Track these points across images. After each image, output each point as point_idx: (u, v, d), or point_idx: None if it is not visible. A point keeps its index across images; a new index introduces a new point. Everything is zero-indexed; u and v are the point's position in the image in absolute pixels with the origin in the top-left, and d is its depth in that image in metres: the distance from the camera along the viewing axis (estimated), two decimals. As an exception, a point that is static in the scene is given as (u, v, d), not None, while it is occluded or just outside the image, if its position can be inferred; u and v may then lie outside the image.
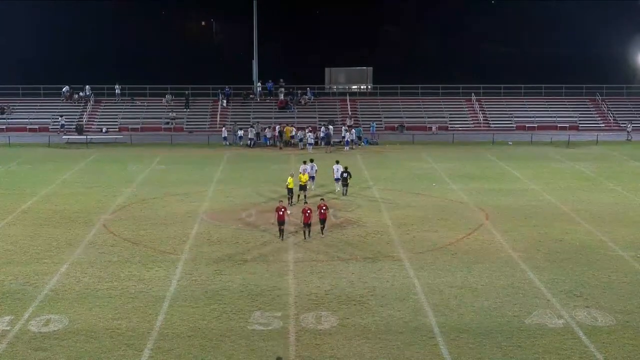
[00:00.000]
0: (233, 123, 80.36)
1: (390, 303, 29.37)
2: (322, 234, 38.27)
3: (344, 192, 50.21)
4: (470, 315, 28.13)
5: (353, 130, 74.41)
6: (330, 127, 75.21)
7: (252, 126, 76.07)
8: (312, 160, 52.03)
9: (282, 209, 37.24)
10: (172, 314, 28.26)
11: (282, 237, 37.78)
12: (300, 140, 71.76)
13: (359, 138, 74.19)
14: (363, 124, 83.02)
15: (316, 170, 51.81)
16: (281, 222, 37.35)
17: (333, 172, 50.76)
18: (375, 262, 34.60)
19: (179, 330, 26.69)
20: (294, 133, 74.23)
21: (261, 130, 75.82)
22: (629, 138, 77.73)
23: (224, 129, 76.32)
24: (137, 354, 24.80)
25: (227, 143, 74.26)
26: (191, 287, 31.29)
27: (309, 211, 37.38)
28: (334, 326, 27.10)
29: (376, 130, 78.93)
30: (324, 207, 38.52)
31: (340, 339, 26.01)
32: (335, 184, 50.83)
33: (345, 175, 50.26)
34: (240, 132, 75.34)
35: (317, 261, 34.69)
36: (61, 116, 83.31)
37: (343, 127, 75.76)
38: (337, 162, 51.18)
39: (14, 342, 25.65)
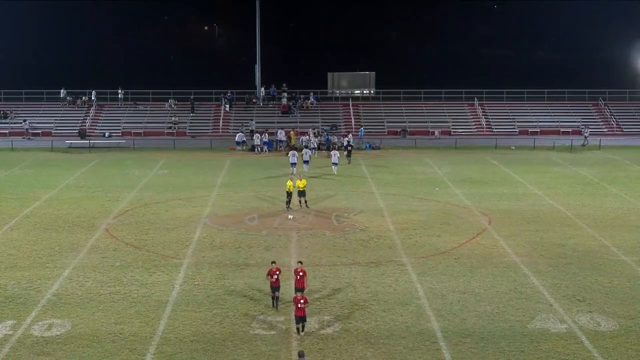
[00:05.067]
0: (242, 125, 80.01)
1: (392, 308, 29.36)
2: (299, 334, 26.94)
3: (348, 161, 63.49)
4: (473, 320, 28.11)
5: (350, 135, 74.13)
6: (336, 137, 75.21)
7: (265, 131, 75.33)
8: (306, 147, 63.22)
9: (277, 272, 29.54)
10: (175, 318, 28.26)
11: (276, 305, 29.38)
12: (306, 146, 71.15)
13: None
14: (365, 128, 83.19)
15: (310, 155, 62.01)
16: (275, 287, 29.44)
17: (331, 157, 60.18)
18: (378, 267, 34.58)
19: (182, 335, 26.69)
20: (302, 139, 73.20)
21: (260, 134, 74.98)
22: (585, 143, 76.96)
23: (241, 134, 75.47)
24: (139, 359, 24.81)
25: (242, 148, 73.80)
26: (194, 291, 31.29)
27: (301, 273, 29.32)
28: (337, 331, 27.10)
29: (364, 134, 78.81)
30: (301, 273, 29.36)
31: (343, 343, 26.00)
32: (332, 167, 59.46)
33: (349, 148, 64.44)
34: (242, 137, 75.18)
35: (319, 266, 34.67)
36: (25, 120, 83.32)
37: (311, 132, 75.02)
38: (334, 148, 62.62)
39: (17, 347, 25.67)
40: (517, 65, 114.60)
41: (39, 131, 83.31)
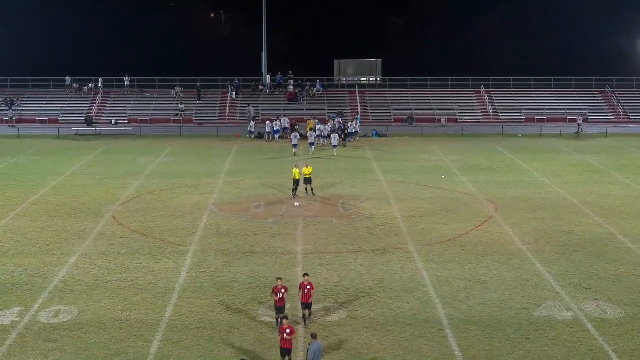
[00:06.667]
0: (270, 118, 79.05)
1: (399, 295, 29.37)
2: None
3: (344, 144, 67.11)
4: (479, 308, 28.12)
5: (353, 122, 73.36)
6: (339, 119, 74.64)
7: (277, 119, 74.86)
8: (311, 129, 66.89)
9: (282, 290, 26.28)
10: (181, 305, 28.32)
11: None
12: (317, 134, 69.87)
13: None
14: (371, 116, 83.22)
15: (315, 137, 65.66)
16: (279, 308, 26.19)
17: (331, 140, 64.31)
18: (384, 254, 34.60)
19: (188, 322, 26.76)
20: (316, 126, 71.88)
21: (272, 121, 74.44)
22: (579, 131, 76.37)
23: (268, 122, 74.66)
24: (146, 345, 24.87)
25: (270, 138, 72.36)
26: (200, 278, 31.35)
27: (308, 287, 26.64)
28: (343, 318, 27.13)
29: (361, 123, 77.84)
30: (309, 287, 26.67)
31: (349, 331, 26.03)
32: (332, 149, 63.24)
33: (340, 133, 67.34)
34: (252, 123, 74.89)
35: (325, 253, 34.71)
36: (11, 108, 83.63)
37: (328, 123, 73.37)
38: (334, 132, 66.09)
39: (24, 333, 25.75)
40: (524, 53, 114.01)
41: (46, 118, 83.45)
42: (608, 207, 43.82)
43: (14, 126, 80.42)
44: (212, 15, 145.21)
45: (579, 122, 77.26)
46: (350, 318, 27.13)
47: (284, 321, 23.42)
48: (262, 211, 42.86)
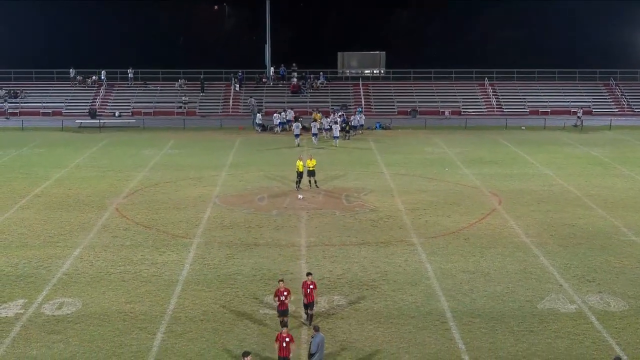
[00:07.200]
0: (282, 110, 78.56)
1: (402, 287, 29.38)
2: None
3: (347, 137, 67.25)
4: (483, 300, 28.12)
5: (358, 116, 73.16)
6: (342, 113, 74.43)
7: (283, 111, 74.87)
8: (315, 120, 67.66)
9: (285, 293, 25.38)
10: (185, 297, 28.35)
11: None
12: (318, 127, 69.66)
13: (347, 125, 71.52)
14: (375, 108, 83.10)
15: (318, 128, 65.89)
16: (282, 311, 25.32)
17: (332, 130, 64.84)
18: (388, 247, 34.59)
19: (192, 314, 26.79)
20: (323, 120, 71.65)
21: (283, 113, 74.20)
22: (578, 124, 76.13)
23: (275, 114, 74.59)
24: (149, 337, 24.91)
25: (278, 130, 72.34)
26: (203, 271, 31.36)
27: (311, 286, 25.76)
28: (346, 310, 27.14)
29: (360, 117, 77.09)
30: (312, 286, 25.78)
31: (353, 323, 26.04)
32: (334, 140, 63.91)
33: (343, 125, 67.51)
34: (259, 116, 74.71)
35: (329, 245, 34.70)
36: (5, 101, 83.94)
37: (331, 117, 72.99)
38: (336, 122, 66.34)
39: (28, 325, 25.80)
40: (528, 45, 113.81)
41: (50, 110, 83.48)
42: (612, 200, 43.77)
43: (7, 118, 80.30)
44: (216, 7, 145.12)
45: (578, 114, 77.21)
46: (354, 310, 27.15)
47: (284, 329, 22.46)
48: (266, 203, 42.86)
